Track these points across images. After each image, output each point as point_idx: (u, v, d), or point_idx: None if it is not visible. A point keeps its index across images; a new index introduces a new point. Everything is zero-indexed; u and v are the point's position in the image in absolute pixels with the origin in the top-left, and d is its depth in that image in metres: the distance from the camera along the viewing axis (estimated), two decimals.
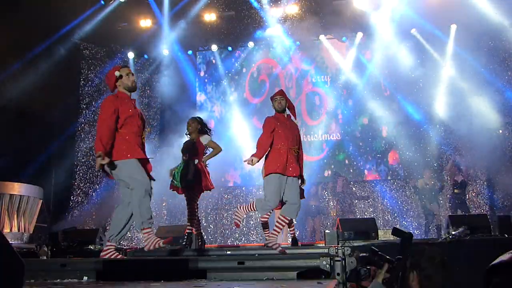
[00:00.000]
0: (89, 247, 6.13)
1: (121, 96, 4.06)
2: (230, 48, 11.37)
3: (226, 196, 10.87)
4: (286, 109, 4.91)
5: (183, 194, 5.61)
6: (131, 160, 3.88)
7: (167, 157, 8.88)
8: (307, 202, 9.11)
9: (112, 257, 3.84)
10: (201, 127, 5.69)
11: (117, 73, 4.04)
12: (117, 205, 4.07)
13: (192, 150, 5.60)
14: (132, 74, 4.14)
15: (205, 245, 5.78)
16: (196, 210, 5.60)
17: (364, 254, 2.49)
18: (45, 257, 5.62)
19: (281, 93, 4.95)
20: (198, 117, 5.89)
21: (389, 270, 2.43)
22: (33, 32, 8.02)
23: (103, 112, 3.89)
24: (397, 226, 3.07)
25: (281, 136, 4.67)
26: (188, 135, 5.76)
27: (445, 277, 2.45)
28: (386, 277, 2.41)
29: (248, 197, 10.58)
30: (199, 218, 5.77)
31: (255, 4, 10.15)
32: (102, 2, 10.17)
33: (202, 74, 11.75)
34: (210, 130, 5.80)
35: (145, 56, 11.45)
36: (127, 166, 3.86)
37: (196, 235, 5.62)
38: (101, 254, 3.97)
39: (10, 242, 1.17)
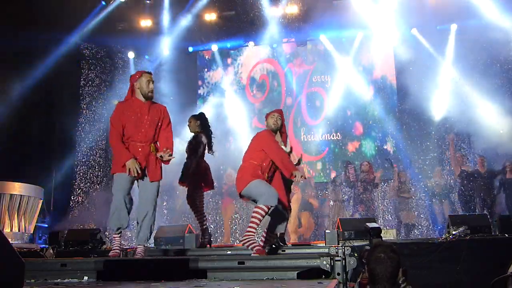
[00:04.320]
0: (89, 246, 6.13)
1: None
2: (230, 47, 11.37)
3: None
4: None
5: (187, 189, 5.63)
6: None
7: None
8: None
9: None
10: (200, 125, 5.63)
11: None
12: None
13: (191, 148, 5.58)
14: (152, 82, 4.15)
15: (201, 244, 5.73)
16: (197, 206, 5.57)
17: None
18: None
19: (280, 111, 4.62)
20: (199, 114, 5.81)
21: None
22: (33, 32, 8.01)
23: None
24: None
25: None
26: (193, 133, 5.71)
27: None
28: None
29: None
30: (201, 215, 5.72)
31: (255, 3, 10.15)
32: (103, 3, 10.17)
33: (202, 74, 11.74)
34: (209, 127, 5.68)
35: (145, 56, 11.45)
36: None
37: (202, 231, 5.61)
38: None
39: (10, 242, 1.17)
